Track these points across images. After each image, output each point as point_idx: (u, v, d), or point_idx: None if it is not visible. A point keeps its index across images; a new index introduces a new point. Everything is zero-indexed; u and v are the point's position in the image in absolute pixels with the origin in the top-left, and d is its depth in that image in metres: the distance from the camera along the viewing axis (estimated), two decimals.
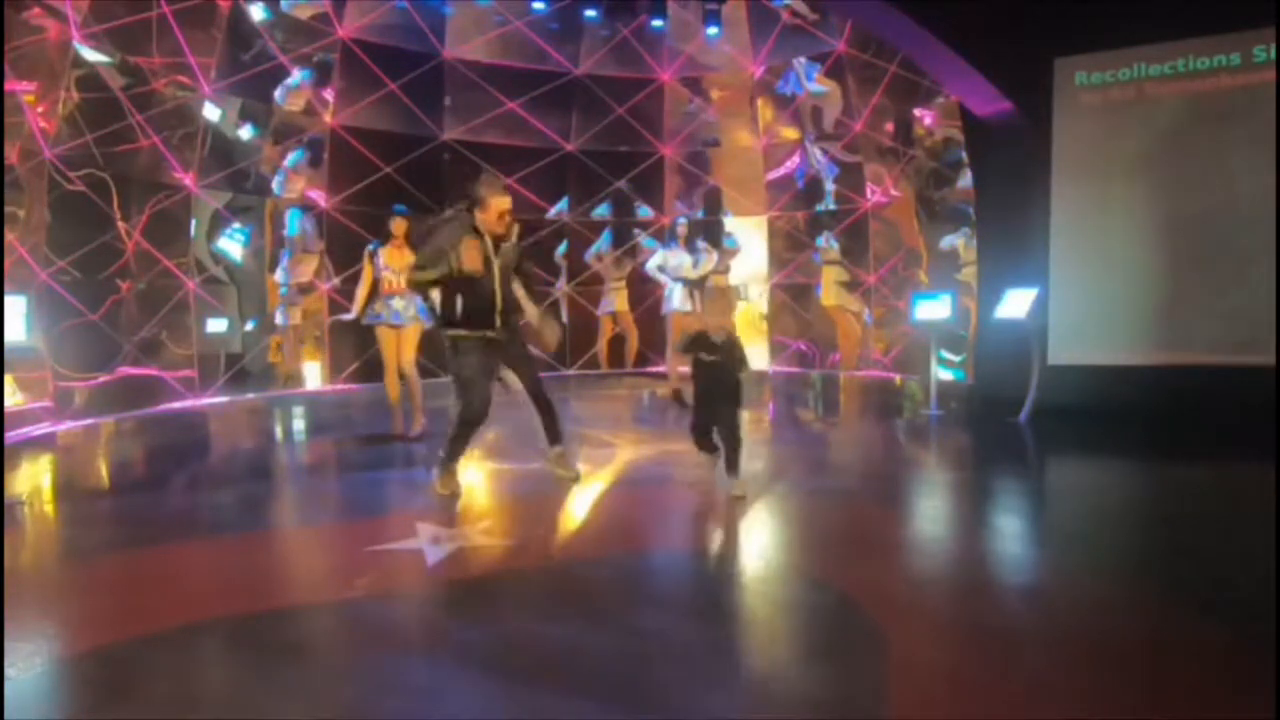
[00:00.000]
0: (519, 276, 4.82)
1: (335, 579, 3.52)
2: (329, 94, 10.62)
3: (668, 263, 8.18)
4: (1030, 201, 7.59)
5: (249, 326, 10.09)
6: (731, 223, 12.43)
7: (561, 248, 12.15)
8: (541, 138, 11.74)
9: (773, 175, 12.31)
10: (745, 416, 5.02)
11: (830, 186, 11.71)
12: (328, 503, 4.95)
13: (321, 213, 10.59)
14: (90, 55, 7.95)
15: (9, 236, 7.05)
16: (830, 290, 11.74)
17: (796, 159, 12.10)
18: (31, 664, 2.60)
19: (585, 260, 12.20)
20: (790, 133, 12.13)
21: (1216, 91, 6.94)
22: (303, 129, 10.56)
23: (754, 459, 6.11)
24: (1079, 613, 3.02)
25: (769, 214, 12.27)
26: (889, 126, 10.91)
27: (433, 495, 4.85)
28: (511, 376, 4.88)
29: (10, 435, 6.63)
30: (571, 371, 12.18)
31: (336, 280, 10.42)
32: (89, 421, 7.64)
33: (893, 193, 10.99)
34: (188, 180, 9.22)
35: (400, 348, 6.47)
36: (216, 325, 9.59)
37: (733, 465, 4.61)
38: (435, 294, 4.63)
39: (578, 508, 4.62)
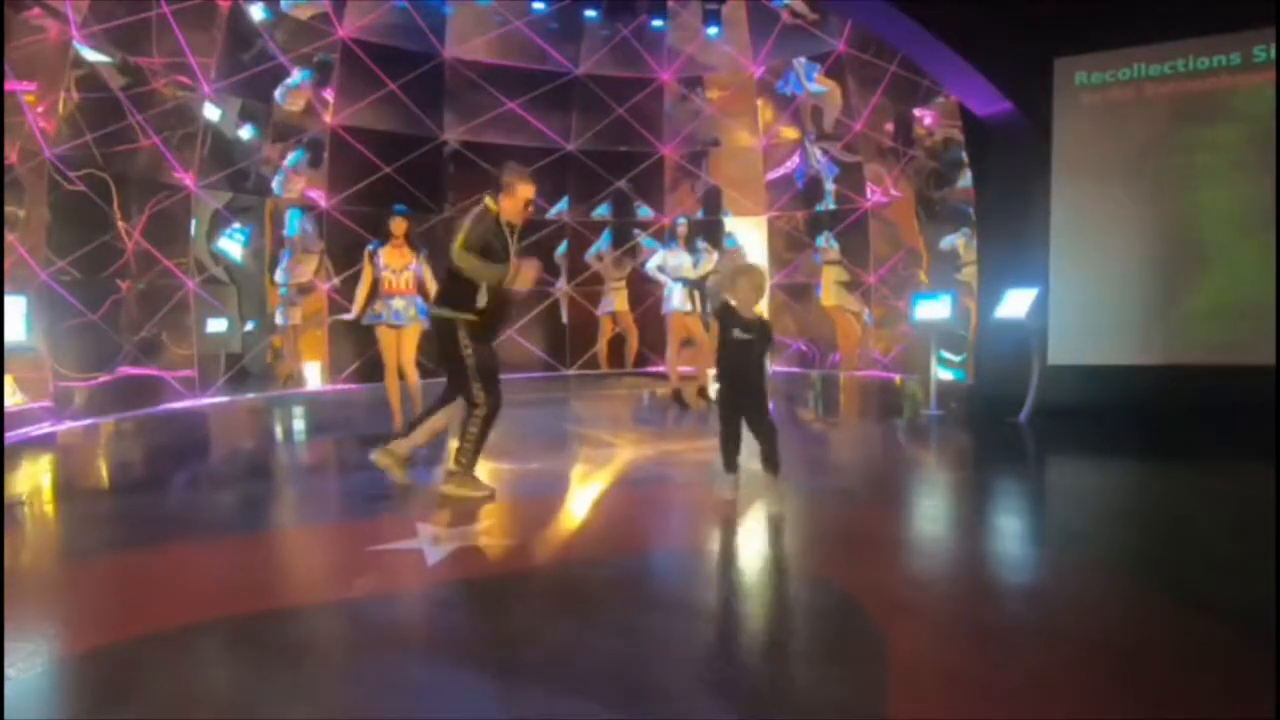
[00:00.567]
0: None
1: (335, 579, 3.52)
2: (329, 94, 10.62)
3: (667, 263, 8.18)
4: (1030, 201, 7.59)
5: (249, 326, 10.09)
6: (731, 223, 12.44)
7: (561, 248, 12.15)
8: (541, 138, 11.74)
9: (773, 175, 12.31)
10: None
11: (830, 186, 11.71)
12: (328, 503, 4.95)
13: (321, 213, 10.59)
14: (90, 55, 7.95)
15: (9, 236, 7.05)
16: (830, 290, 11.74)
17: (796, 159, 12.10)
18: (31, 664, 2.60)
19: (585, 260, 12.20)
20: (790, 133, 12.13)
21: (1217, 91, 6.94)
22: (303, 129, 10.56)
23: (754, 459, 6.12)
24: (1079, 613, 3.02)
25: (769, 214, 12.27)
26: (889, 126, 10.91)
27: (433, 495, 4.86)
28: None
29: (10, 435, 6.63)
30: (571, 371, 12.18)
31: (336, 280, 10.43)
32: (89, 421, 7.64)
33: (893, 193, 10.99)
34: (188, 180, 9.22)
35: (400, 348, 6.47)
36: (216, 325, 9.59)
37: (773, 461, 4.41)
38: (439, 282, 4.65)
39: (577, 508, 4.62)
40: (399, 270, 6.41)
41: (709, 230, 11.72)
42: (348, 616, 3.06)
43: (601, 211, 12.38)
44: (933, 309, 7.94)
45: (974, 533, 4.25)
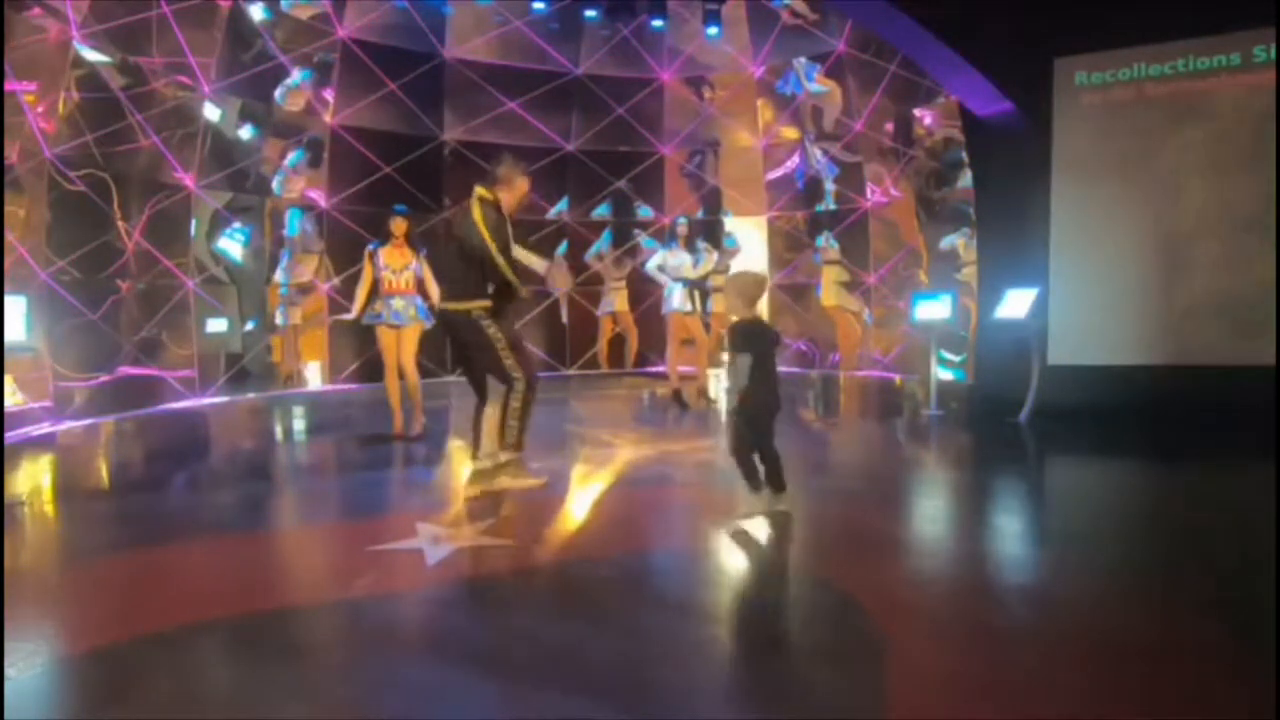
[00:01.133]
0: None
1: (335, 579, 3.52)
2: (329, 94, 10.62)
3: (667, 263, 8.18)
4: (1030, 201, 7.59)
5: (249, 326, 10.09)
6: (731, 223, 12.44)
7: (561, 248, 12.15)
8: (541, 138, 11.75)
9: (773, 175, 12.31)
10: None
11: (830, 186, 11.71)
12: (328, 503, 4.95)
13: (321, 213, 10.59)
14: (90, 55, 7.95)
15: (9, 236, 7.05)
16: (830, 290, 11.75)
17: (796, 159, 12.11)
18: (31, 664, 2.60)
19: (585, 260, 12.20)
20: (790, 133, 12.13)
21: (1217, 91, 6.94)
22: (303, 129, 10.57)
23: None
24: (1079, 613, 3.01)
25: (769, 214, 12.28)
26: (889, 126, 10.91)
27: (433, 494, 4.87)
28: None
29: (10, 435, 6.63)
30: (571, 371, 12.18)
31: (336, 280, 10.43)
32: (89, 421, 7.64)
33: (893, 193, 10.99)
34: (188, 180, 9.22)
35: (400, 347, 6.46)
36: (216, 325, 9.59)
37: (779, 481, 4.20)
38: (460, 270, 4.59)
39: (578, 508, 4.62)
40: (399, 270, 6.41)
41: (709, 230, 11.72)
42: (348, 616, 3.05)
43: (601, 211, 12.38)
44: (933, 309, 7.93)
45: (974, 533, 4.25)
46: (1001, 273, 7.84)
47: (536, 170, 11.53)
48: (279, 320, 10.41)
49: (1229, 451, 5.93)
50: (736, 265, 12.04)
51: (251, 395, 9.69)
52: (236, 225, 9.92)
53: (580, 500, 4.75)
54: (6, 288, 6.50)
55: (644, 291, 11.14)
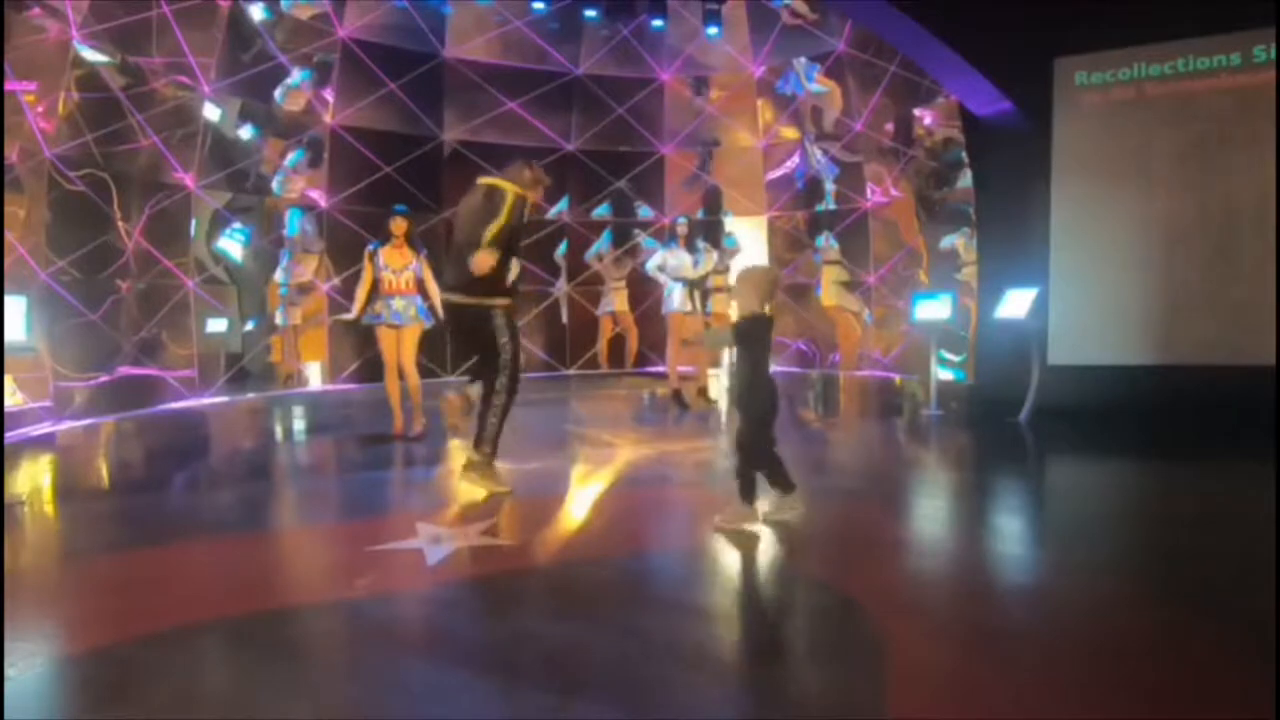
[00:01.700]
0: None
1: (335, 579, 3.51)
2: (329, 94, 10.62)
3: (667, 263, 8.18)
4: (1030, 201, 7.59)
5: (249, 326, 10.09)
6: (731, 223, 12.44)
7: (561, 248, 12.15)
8: (541, 138, 11.75)
9: (773, 175, 12.31)
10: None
11: (830, 186, 11.71)
12: (328, 503, 4.95)
13: (321, 213, 10.59)
14: (90, 55, 7.95)
15: (9, 236, 7.05)
16: (830, 290, 11.75)
17: (796, 159, 12.11)
18: (31, 664, 2.60)
19: (585, 260, 12.20)
20: (790, 133, 12.13)
21: (1216, 91, 6.94)
22: (303, 129, 10.57)
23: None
24: (1079, 613, 3.01)
25: (769, 214, 12.27)
26: (889, 126, 10.91)
27: (433, 494, 4.86)
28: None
29: (10, 435, 6.63)
30: (571, 371, 12.18)
31: (336, 280, 10.43)
32: (89, 421, 7.64)
33: (893, 193, 10.99)
34: (188, 180, 9.22)
35: (400, 348, 6.46)
36: (216, 325, 9.59)
37: (789, 481, 4.10)
38: (486, 263, 4.42)
39: (578, 508, 4.62)
40: (399, 270, 6.41)
41: (709, 230, 11.72)
42: (348, 616, 3.05)
43: (601, 211, 12.38)
44: (933, 309, 7.93)
45: (974, 533, 4.25)
46: (1001, 273, 7.84)
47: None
48: (279, 320, 10.41)
49: (1229, 451, 5.93)
50: (736, 265, 12.04)
51: (251, 395, 9.69)
52: (236, 225, 9.92)
53: (580, 500, 4.75)
54: (6, 288, 6.50)
55: (644, 291, 11.15)
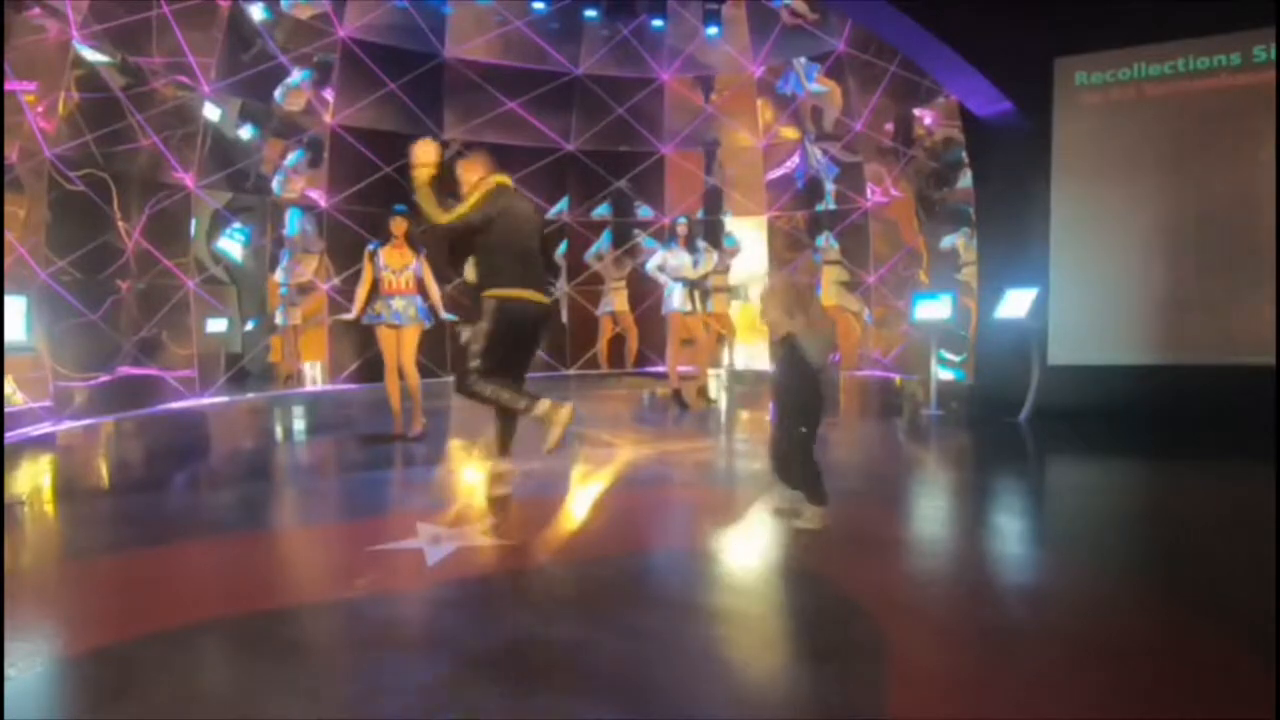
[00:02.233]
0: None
1: (335, 579, 3.51)
2: (329, 94, 10.62)
3: (667, 263, 8.18)
4: (1030, 201, 7.59)
5: (249, 326, 10.09)
6: (731, 223, 12.43)
7: (561, 248, 12.15)
8: (541, 137, 11.75)
9: (773, 175, 12.31)
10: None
11: (830, 186, 11.71)
12: (328, 503, 4.95)
13: (321, 213, 10.59)
14: (90, 55, 7.95)
15: (9, 236, 7.05)
16: (830, 290, 11.75)
17: (796, 159, 12.11)
18: (31, 664, 2.60)
19: (585, 260, 12.20)
20: (790, 133, 12.13)
21: (1216, 91, 6.94)
22: (303, 129, 10.57)
23: (755, 459, 6.11)
24: (1079, 613, 3.01)
25: (769, 214, 12.27)
26: (889, 126, 10.91)
27: (433, 494, 4.86)
28: None
29: (10, 435, 6.63)
30: (571, 371, 12.18)
31: (337, 280, 10.43)
32: (89, 421, 7.64)
33: (893, 193, 10.99)
34: (188, 180, 9.22)
35: (400, 347, 6.46)
36: (216, 325, 9.59)
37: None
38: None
39: (578, 508, 4.62)
40: (399, 270, 6.40)
41: (709, 230, 11.73)
42: (348, 616, 3.05)
43: (601, 211, 12.38)
44: (933, 309, 7.93)
45: (974, 533, 4.25)
46: (1001, 273, 7.84)
47: (537, 170, 11.60)
48: (279, 320, 10.41)
49: (1229, 451, 5.93)
50: (737, 265, 12.07)
51: (251, 395, 9.68)
52: (236, 225, 9.92)
53: (580, 500, 4.74)
54: (6, 288, 6.50)
55: (644, 291, 11.15)
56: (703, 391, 8.63)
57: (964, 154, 9.32)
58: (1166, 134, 7.12)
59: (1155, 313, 7.14)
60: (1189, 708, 2.30)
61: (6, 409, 6.76)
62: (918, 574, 3.56)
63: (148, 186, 8.75)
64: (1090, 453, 6.19)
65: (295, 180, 10.57)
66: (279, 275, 10.40)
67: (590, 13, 11.61)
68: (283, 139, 10.46)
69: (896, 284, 10.94)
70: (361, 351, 10.20)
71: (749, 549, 3.88)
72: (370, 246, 6.51)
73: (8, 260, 7.00)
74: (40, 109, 7.49)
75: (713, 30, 11.64)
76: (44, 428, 7.17)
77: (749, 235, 12.35)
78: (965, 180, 9.54)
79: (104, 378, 7.98)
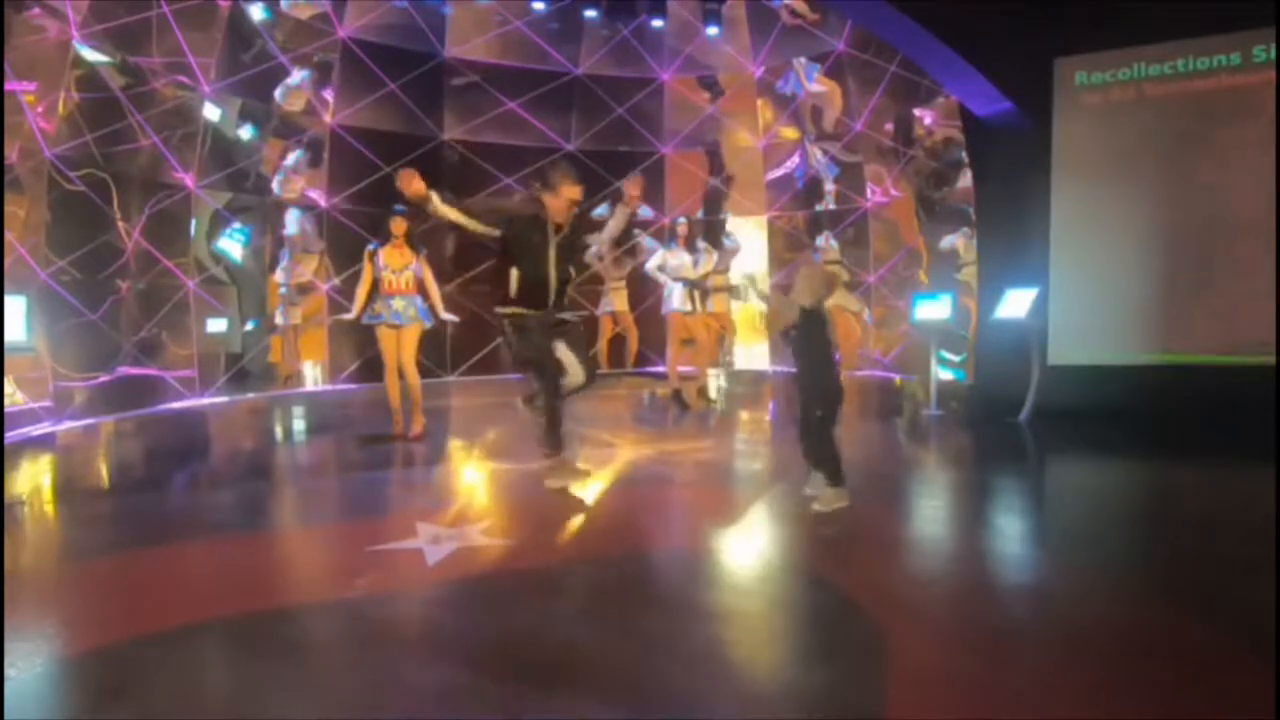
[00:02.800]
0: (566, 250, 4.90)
1: (335, 579, 3.51)
2: (329, 94, 10.62)
3: (667, 263, 8.18)
4: (1030, 201, 7.59)
5: (249, 326, 10.08)
6: (731, 223, 12.43)
7: None
8: (541, 137, 11.74)
9: (773, 175, 12.31)
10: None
11: (830, 186, 11.70)
12: (328, 503, 4.95)
13: (321, 213, 10.59)
14: (90, 55, 7.95)
15: (9, 236, 7.05)
16: None
17: (796, 159, 12.10)
18: (31, 664, 2.60)
19: (585, 260, 12.18)
20: (790, 133, 12.13)
21: (1216, 91, 6.94)
22: (303, 129, 10.56)
23: (755, 459, 6.12)
24: (1079, 613, 3.01)
25: (769, 214, 12.27)
26: (889, 126, 10.90)
27: (433, 494, 4.86)
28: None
29: (10, 435, 6.63)
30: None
31: (336, 280, 10.43)
32: (89, 421, 7.64)
33: (893, 193, 10.99)
34: (188, 180, 9.22)
35: (400, 348, 6.46)
36: (216, 325, 9.59)
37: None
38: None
39: (578, 508, 4.62)
40: (399, 270, 6.40)
41: (709, 230, 11.72)
42: (348, 616, 3.05)
43: (601, 211, 12.36)
44: (933, 309, 7.93)
45: (974, 533, 4.25)
46: (1001, 272, 7.83)
47: (537, 170, 11.54)
48: (279, 320, 10.41)
49: (1229, 451, 5.93)
50: (737, 265, 12.04)
51: (251, 395, 9.68)
52: (236, 225, 9.92)
53: (580, 500, 4.74)
54: (6, 288, 6.50)
55: (644, 291, 11.14)
56: (703, 391, 8.63)
57: (964, 154, 9.31)
58: (1166, 134, 7.12)
59: (1155, 312, 7.14)
60: (1189, 708, 2.30)
61: (6, 409, 6.76)
62: (918, 574, 3.57)
63: (148, 186, 8.74)
64: (1090, 452, 6.19)
65: (295, 180, 10.56)
66: (279, 275, 10.39)
67: (590, 13, 11.60)
68: (283, 139, 10.45)
69: (896, 284, 10.94)
70: (361, 351, 10.19)
71: (749, 549, 3.89)
72: (370, 246, 6.51)
73: (8, 260, 7.00)
74: (40, 109, 7.49)
75: (713, 30, 11.63)
76: (44, 427, 7.17)
77: (749, 235, 12.33)
78: (965, 180, 9.53)
79: (104, 378, 7.98)
